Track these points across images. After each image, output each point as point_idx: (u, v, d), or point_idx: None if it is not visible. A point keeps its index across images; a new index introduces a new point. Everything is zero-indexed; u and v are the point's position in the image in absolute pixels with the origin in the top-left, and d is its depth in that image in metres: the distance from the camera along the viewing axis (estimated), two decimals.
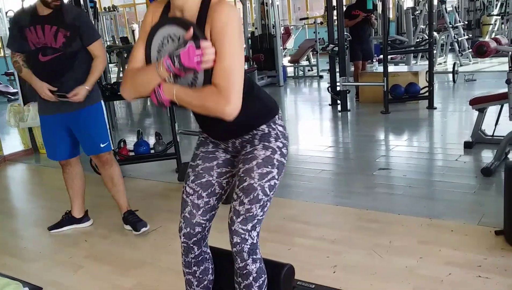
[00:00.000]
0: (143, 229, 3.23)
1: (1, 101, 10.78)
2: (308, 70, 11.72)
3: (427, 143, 5.12)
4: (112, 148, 3.30)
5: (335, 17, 7.13)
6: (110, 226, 3.46)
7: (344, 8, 7.31)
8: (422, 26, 11.10)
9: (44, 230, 3.59)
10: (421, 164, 4.27)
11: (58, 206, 4.09)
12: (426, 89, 6.36)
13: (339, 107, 6.84)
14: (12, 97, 10.64)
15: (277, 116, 1.76)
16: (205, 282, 1.89)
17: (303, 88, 10.12)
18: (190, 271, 1.87)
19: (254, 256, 1.70)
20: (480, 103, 4.44)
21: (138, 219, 3.30)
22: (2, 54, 10.99)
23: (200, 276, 1.88)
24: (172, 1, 1.58)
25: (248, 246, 1.67)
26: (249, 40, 10.33)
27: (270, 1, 9.98)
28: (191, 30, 1.48)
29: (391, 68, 7.50)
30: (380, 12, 7.31)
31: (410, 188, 3.68)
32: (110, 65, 11.37)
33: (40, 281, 2.69)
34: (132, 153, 4.60)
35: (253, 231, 1.67)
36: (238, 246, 1.67)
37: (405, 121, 5.96)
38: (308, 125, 6.71)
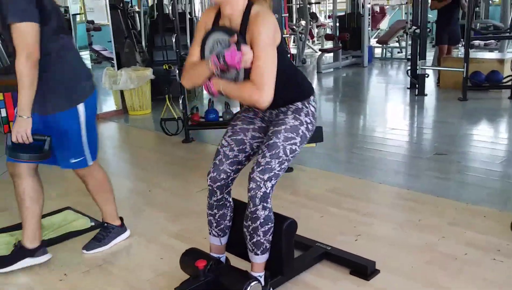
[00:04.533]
0: (92, 252, 2.74)
1: (105, 66, 11.80)
2: (398, 52, 11.48)
3: (494, 132, 5.00)
4: (89, 164, 2.62)
5: None
6: (172, 180, 3.90)
7: None
8: None
9: (119, 179, 4.11)
10: (480, 152, 4.23)
11: (137, 161, 4.65)
12: (511, 78, 6.10)
13: (416, 91, 6.77)
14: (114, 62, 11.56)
15: (312, 97, 2.11)
16: (222, 226, 2.21)
17: (388, 70, 9.99)
18: (211, 212, 2.20)
19: (265, 204, 1.98)
20: None
21: (105, 237, 2.81)
22: (109, 22, 11.98)
23: (219, 219, 2.19)
24: (222, 11, 1.97)
25: (261, 193, 1.95)
26: (337, 19, 10.33)
27: None
28: (235, 36, 1.87)
29: (476, 54, 7.23)
30: None
31: (459, 174, 3.71)
32: None
33: None
34: (203, 120, 5.01)
35: (268, 182, 1.95)
36: (252, 191, 1.96)
37: (481, 109, 5.79)
38: (380, 107, 6.73)
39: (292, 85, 2.07)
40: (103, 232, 2.83)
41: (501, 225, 2.81)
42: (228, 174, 2.12)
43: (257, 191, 1.95)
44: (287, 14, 7.52)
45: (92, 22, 8.59)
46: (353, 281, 2.34)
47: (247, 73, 1.87)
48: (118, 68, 6.60)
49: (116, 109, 6.69)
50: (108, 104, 6.85)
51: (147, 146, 5.24)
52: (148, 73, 6.45)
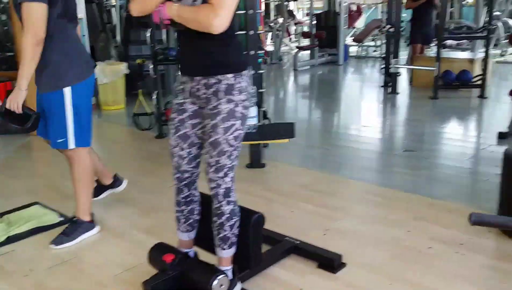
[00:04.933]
0: (59, 246, 2.73)
1: None
2: (373, 51, 11.62)
3: (463, 130, 5.14)
4: (69, 147, 2.68)
5: None
6: (143, 176, 3.88)
7: None
8: (498, 13, 10.62)
9: None
10: (448, 149, 4.33)
11: (108, 156, 4.58)
12: (480, 77, 6.24)
13: (389, 89, 6.87)
14: None
15: (245, 72, 1.97)
16: (191, 221, 2.20)
17: (362, 68, 10.10)
18: (179, 209, 2.19)
19: (229, 199, 1.99)
20: None
21: (73, 232, 2.80)
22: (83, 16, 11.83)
23: (187, 215, 2.19)
24: None
25: (223, 190, 1.96)
26: (314, 17, 10.39)
27: None
28: None
29: (449, 54, 7.37)
30: None
31: (427, 170, 3.79)
32: None
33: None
34: None
35: (226, 177, 1.95)
36: (214, 190, 1.97)
37: (451, 108, 5.92)
38: (353, 104, 6.83)
39: (231, 48, 1.93)
40: (72, 226, 2.81)
41: (465, 220, 2.79)
42: (191, 171, 2.11)
43: (218, 189, 1.96)
44: (262, 10, 7.50)
45: None
46: (321, 274, 2.38)
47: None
48: None
49: None
50: None
51: (120, 141, 5.21)
52: (122, 67, 6.38)
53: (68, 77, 2.57)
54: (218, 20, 1.74)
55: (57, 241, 2.75)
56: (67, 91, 2.56)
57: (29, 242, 2.81)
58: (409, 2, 7.36)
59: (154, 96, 4.88)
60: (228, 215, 2.00)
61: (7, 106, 2.51)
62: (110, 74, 6.27)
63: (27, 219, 3.07)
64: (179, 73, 2.08)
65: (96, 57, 7.01)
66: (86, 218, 2.85)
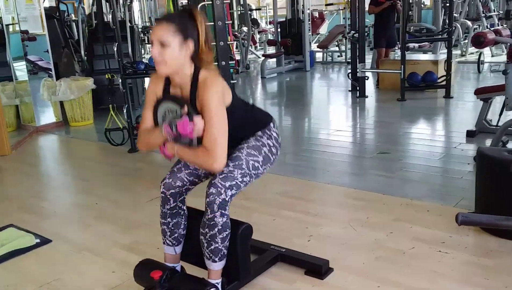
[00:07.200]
0: None
1: (43, 76, 11.38)
2: (338, 56, 11.79)
3: (432, 130, 5.26)
4: None
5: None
6: (120, 192, 3.81)
7: None
8: (456, 15, 10.95)
9: (63, 194, 3.99)
10: (420, 149, 4.41)
11: (81, 174, 4.51)
12: (444, 78, 6.41)
13: (358, 93, 6.98)
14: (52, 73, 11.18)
15: (271, 124, 2.19)
16: (176, 235, 2.18)
17: (329, 74, 10.24)
18: (165, 221, 2.18)
19: (223, 211, 1.97)
20: (484, 93, 4.53)
21: None
22: (44, 32, 11.58)
23: (172, 228, 2.17)
24: (171, 80, 2.02)
25: (220, 200, 1.95)
26: (278, 25, 10.48)
27: None
28: (186, 107, 1.92)
29: (412, 56, 7.55)
30: None
31: (402, 171, 3.85)
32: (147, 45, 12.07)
33: (52, 235, 3.08)
34: None
35: (229, 190, 1.96)
36: (212, 196, 1.94)
37: (418, 109, 6.06)
38: (323, 109, 6.91)
39: (250, 124, 2.15)
40: None
41: (443, 219, 2.94)
42: (184, 182, 2.13)
43: (216, 197, 1.94)
44: (231, 21, 7.48)
45: (26, 32, 8.28)
46: (309, 281, 2.38)
47: (200, 138, 1.93)
48: (57, 79, 6.39)
49: (56, 121, 6.47)
50: (47, 116, 6.61)
51: (91, 158, 5.10)
52: (89, 82, 6.29)
53: None
54: (216, 163, 1.91)
55: None
56: None
57: (7, 266, 2.72)
58: (372, 7, 7.54)
59: (125, 110, 4.82)
60: (221, 227, 1.98)
61: None
62: (77, 90, 6.17)
63: (3, 242, 2.97)
64: None
65: (60, 73, 6.87)
66: None
